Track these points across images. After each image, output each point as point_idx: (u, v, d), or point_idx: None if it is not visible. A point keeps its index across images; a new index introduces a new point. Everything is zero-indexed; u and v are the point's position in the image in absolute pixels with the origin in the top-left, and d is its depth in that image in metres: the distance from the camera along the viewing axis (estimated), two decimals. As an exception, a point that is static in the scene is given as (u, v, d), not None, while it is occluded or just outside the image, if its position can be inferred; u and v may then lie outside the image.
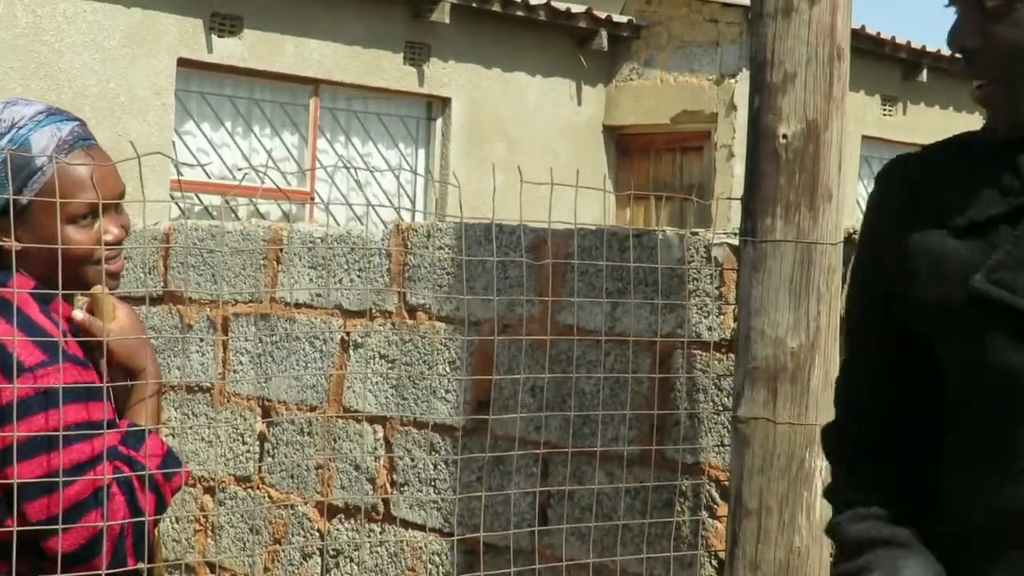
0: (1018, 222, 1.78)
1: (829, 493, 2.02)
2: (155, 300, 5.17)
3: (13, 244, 2.61)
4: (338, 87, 13.22)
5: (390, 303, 4.42)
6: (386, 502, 4.42)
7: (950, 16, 1.91)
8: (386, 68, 13.30)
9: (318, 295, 4.64)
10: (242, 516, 4.90)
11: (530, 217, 3.86)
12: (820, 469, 3.08)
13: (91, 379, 2.62)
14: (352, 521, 4.53)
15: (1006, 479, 1.79)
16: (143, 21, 11.74)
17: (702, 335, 3.63)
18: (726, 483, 3.48)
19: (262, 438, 4.86)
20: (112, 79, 11.58)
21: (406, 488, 4.35)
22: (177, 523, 4.96)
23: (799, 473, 3.06)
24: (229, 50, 12.32)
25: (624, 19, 14.66)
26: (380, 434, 4.45)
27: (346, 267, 4.56)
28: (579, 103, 14.84)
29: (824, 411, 3.08)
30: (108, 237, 2.69)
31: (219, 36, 12.24)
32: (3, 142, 2.62)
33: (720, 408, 3.58)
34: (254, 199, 12.17)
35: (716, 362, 3.60)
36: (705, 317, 3.63)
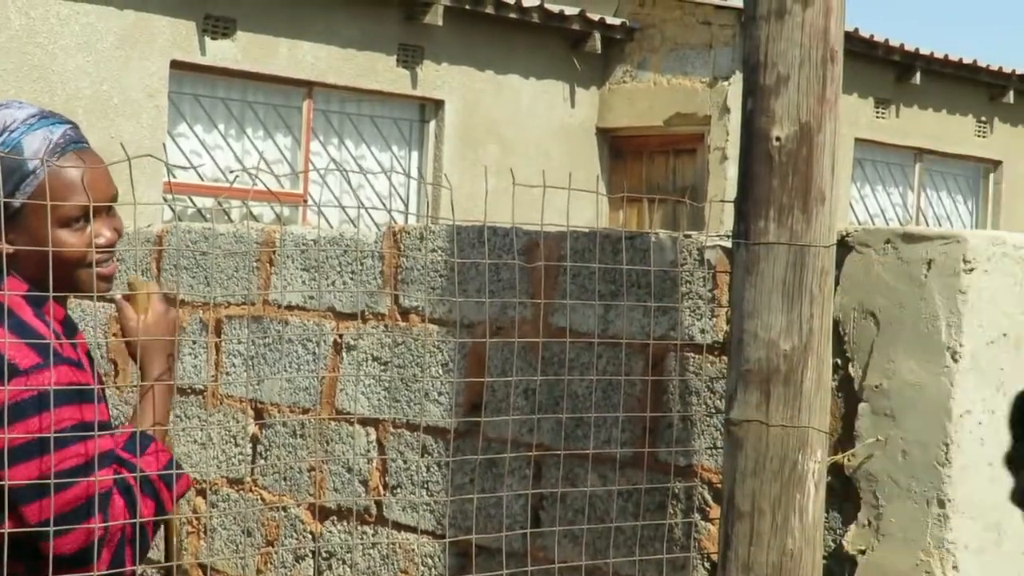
0: None
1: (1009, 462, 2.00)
2: (148, 302, 5.15)
3: (4, 247, 2.60)
4: (331, 89, 13.22)
5: (383, 305, 4.42)
6: (379, 504, 4.42)
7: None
8: (379, 70, 13.30)
9: (311, 297, 4.64)
10: (235, 518, 4.90)
11: (523, 219, 3.87)
12: (813, 471, 3.08)
13: (86, 381, 2.62)
14: (345, 523, 4.52)
15: None
16: (136, 23, 11.74)
17: (695, 338, 3.63)
18: (719, 485, 3.48)
19: (255, 440, 4.85)
20: (105, 81, 11.57)
21: (399, 490, 4.35)
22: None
23: (792, 475, 3.06)
24: (222, 52, 12.32)
25: (617, 21, 14.67)
26: (373, 436, 4.44)
27: (339, 269, 4.56)
28: (572, 105, 14.85)
29: (817, 413, 3.08)
30: (100, 240, 2.69)
31: (212, 38, 12.24)
32: None
33: (713, 410, 3.58)
34: (247, 201, 12.17)
35: (709, 364, 3.60)
36: (698, 320, 3.63)
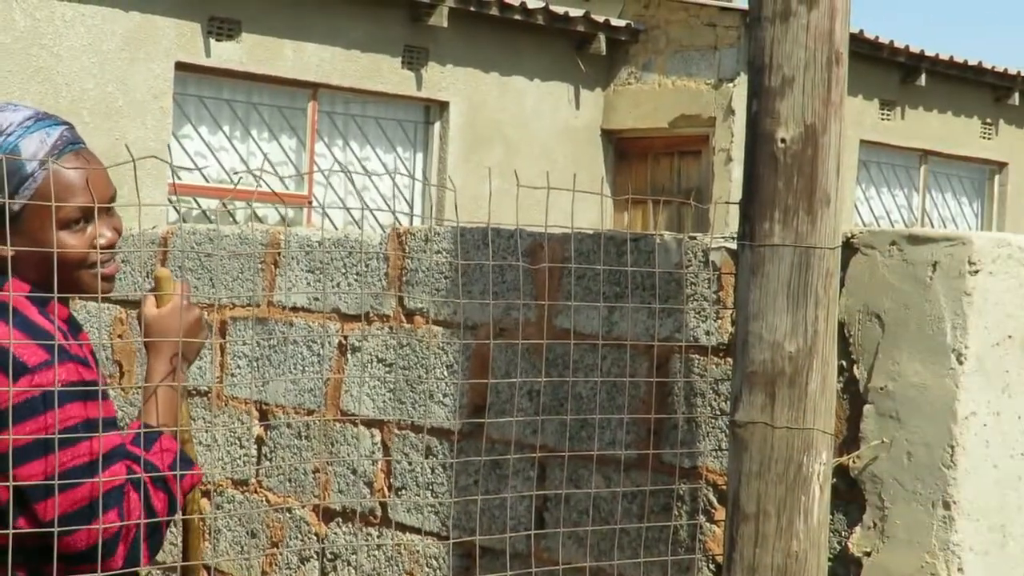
0: None
1: None
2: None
3: (7, 250, 2.60)
4: (336, 91, 13.23)
5: (387, 307, 4.42)
6: (383, 506, 4.42)
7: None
8: (384, 72, 13.31)
9: (315, 299, 4.64)
10: (240, 519, 4.90)
11: (527, 221, 3.87)
12: (818, 473, 3.07)
13: (93, 379, 2.62)
14: (350, 525, 4.52)
15: None
16: (141, 25, 11.75)
17: (700, 339, 3.63)
18: (723, 487, 3.48)
19: (260, 442, 4.86)
20: (110, 83, 11.58)
21: (403, 492, 4.35)
22: (175, 526, 4.95)
23: (797, 477, 3.06)
24: (227, 54, 12.32)
25: (622, 23, 14.67)
26: (377, 438, 4.44)
27: (344, 271, 4.56)
28: (577, 107, 14.85)
29: (822, 415, 3.08)
30: (102, 241, 2.69)
31: (217, 40, 12.25)
32: None
33: (718, 412, 3.58)
34: (252, 203, 12.17)
35: (714, 366, 3.60)
36: (703, 321, 3.63)
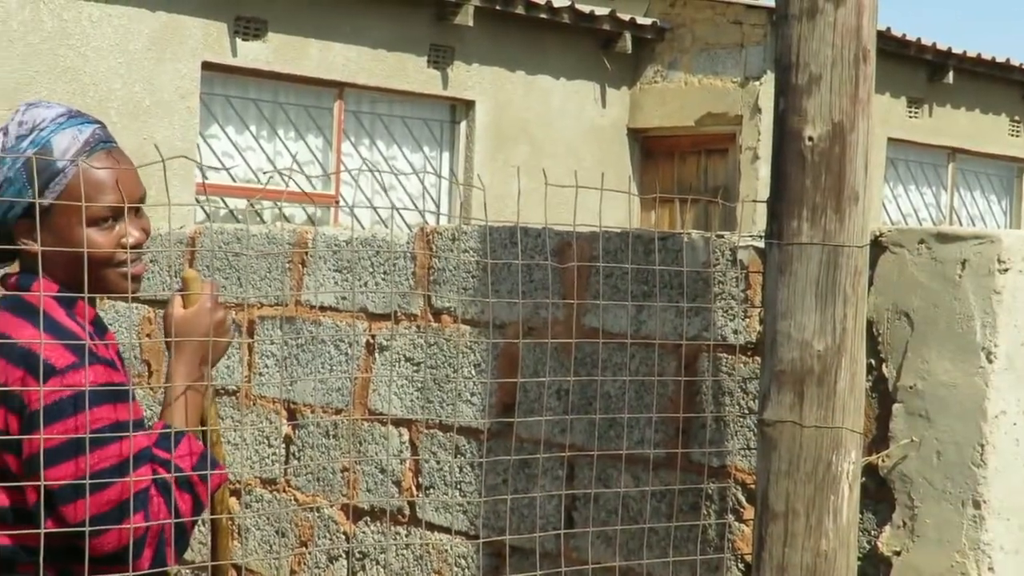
0: None
1: None
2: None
3: (36, 247, 2.61)
4: (362, 90, 13.24)
5: (415, 306, 4.42)
6: (412, 505, 4.42)
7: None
8: (410, 71, 13.31)
9: (343, 298, 4.65)
10: (268, 519, 4.91)
11: (554, 220, 3.87)
12: (847, 472, 3.07)
13: (121, 381, 2.63)
14: (378, 524, 4.53)
15: None
16: (168, 24, 11.78)
17: (728, 338, 3.63)
18: (752, 486, 3.48)
19: (288, 441, 4.86)
20: (137, 83, 11.61)
21: (432, 491, 4.35)
22: (203, 526, 4.97)
23: (826, 476, 3.05)
24: (254, 53, 12.35)
25: (648, 21, 14.65)
26: (405, 437, 4.45)
27: (371, 270, 4.56)
28: (603, 106, 14.83)
29: (851, 414, 3.07)
30: (129, 240, 2.69)
31: (244, 39, 12.27)
32: (25, 144, 2.62)
33: (746, 411, 3.57)
34: (279, 202, 12.19)
35: (742, 365, 3.59)
36: (731, 320, 3.62)
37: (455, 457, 4.29)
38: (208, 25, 12.03)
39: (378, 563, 4.52)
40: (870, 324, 3.25)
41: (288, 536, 4.82)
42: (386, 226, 12.82)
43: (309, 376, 4.74)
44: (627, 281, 3.83)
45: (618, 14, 14.35)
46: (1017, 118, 17.42)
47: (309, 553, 4.72)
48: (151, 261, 5.26)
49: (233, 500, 4.97)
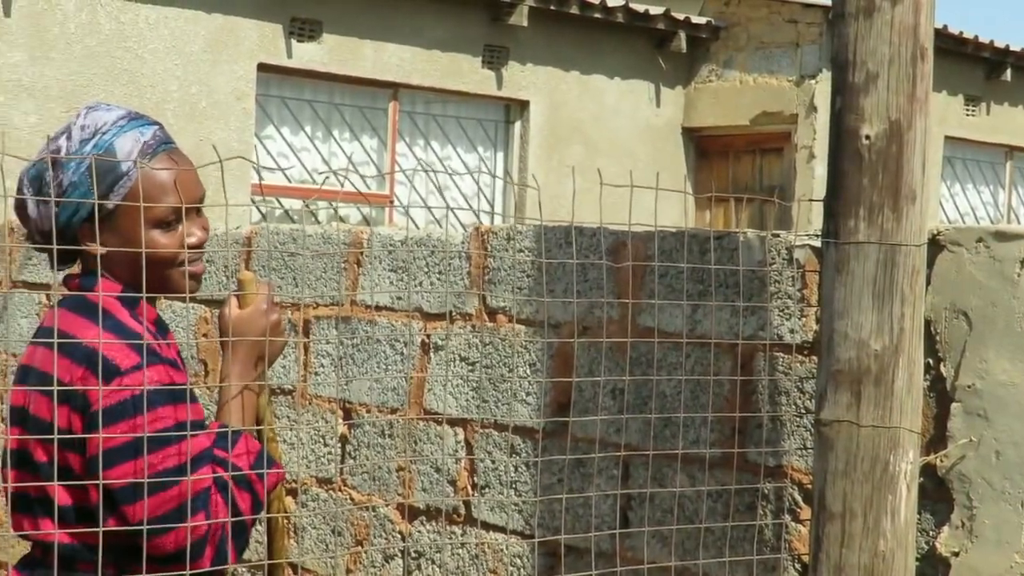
0: None
1: None
2: (237, 303, 5.20)
3: (98, 248, 2.63)
4: (417, 91, 13.26)
5: (470, 306, 4.43)
6: (467, 504, 4.43)
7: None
8: (464, 71, 13.33)
9: (398, 298, 4.66)
10: (324, 518, 4.93)
11: (609, 220, 3.86)
12: (904, 472, 3.05)
13: (183, 381, 2.64)
14: (433, 523, 4.54)
15: None
16: (224, 26, 11.84)
17: (784, 337, 3.61)
18: (809, 486, 3.46)
19: (343, 440, 4.88)
20: (193, 84, 11.68)
21: (487, 490, 4.36)
22: (259, 525, 5.00)
23: (883, 476, 3.04)
24: (309, 55, 12.39)
25: (703, 20, 14.61)
26: (461, 436, 4.46)
27: (426, 270, 4.57)
28: (658, 105, 14.80)
29: (908, 414, 3.05)
30: (192, 240, 2.71)
31: (299, 41, 12.31)
32: (88, 148, 2.64)
33: (802, 411, 3.56)
34: (334, 203, 12.22)
35: (798, 364, 3.58)
36: (787, 319, 3.61)
37: (510, 456, 4.29)
38: (263, 27, 12.08)
39: (433, 562, 4.53)
40: (928, 323, 3.23)
41: (344, 535, 4.84)
42: (441, 226, 12.84)
43: (365, 376, 4.75)
44: (682, 280, 3.82)
45: (673, 13, 14.31)
46: (1075, 116, 17.27)
47: (365, 552, 4.74)
48: (207, 261, 5.29)
49: (289, 499, 4.99)
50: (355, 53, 12.64)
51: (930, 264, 3.23)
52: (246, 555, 4.95)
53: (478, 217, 13.56)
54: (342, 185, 11.70)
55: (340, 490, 4.87)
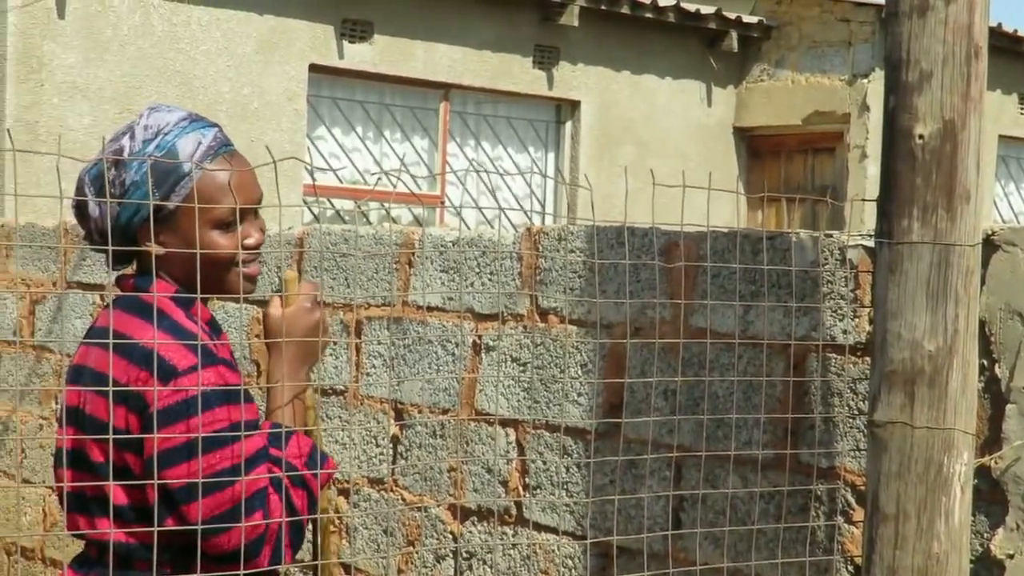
0: None
1: None
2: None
3: (154, 248, 2.66)
4: (467, 91, 13.28)
5: (521, 306, 4.43)
6: (518, 505, 4.43)
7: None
8: (515, 72, 13.33)
9: (450, 298, 4.67)
10: (376, 518, 4.94)
11: (661, 220, 3.85)
12: (959, 474, 3.03)
13: (238, 382, 2.66)
14: (485, 523, 4.54)
15: None
16: (275, 28, 11.89)
17: (837, 338, 3.60)
18: (862, 488, 3.45)
19: (395, 440, 4.89)
20: (245, 85, 11.73)
21: (538, 491, 4.36)
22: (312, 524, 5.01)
23: (937, 478, 3.02)
24: (360, 56, 12.43)
25: (754, 20, 14.57)
26: (512, 437, 4.46)
27: (477, 270, 4.58)
28: (709, 105, 14.77)
29: (962, 415, 3.04)
30: (250, 241, 2.74)
31: (350, 42, 12.35)
32: (150, 148, 2.67)
33: (856, 412, 3.54)
34: (386, 203, 12.25)
35: (851, 365, 3.57)
36: (840, 320, 3.59)
37: (562, 457, 4.29)
38: (315, 28, 12.12)
39: (485, 563, 4.53)
40: (982, 324, 3.21)
41: (395, 535, 4.85)
42: (492, 226, 12.85)
43: (416, 376, 4.76)
44: (735, 281, 3.81)
45: (724, 12, 14.28)
46: None
47: (416, 552, 4.75)
48: (260, 262, 5.30)
49: (341, 499, 5.00)
50: (406, 54, 12.67)
51: (984, 264, 3.21)
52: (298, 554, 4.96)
53: (529, 217, 13.56)
54: (394, 186, 11.73)
55: (392, 490, 4.88)
